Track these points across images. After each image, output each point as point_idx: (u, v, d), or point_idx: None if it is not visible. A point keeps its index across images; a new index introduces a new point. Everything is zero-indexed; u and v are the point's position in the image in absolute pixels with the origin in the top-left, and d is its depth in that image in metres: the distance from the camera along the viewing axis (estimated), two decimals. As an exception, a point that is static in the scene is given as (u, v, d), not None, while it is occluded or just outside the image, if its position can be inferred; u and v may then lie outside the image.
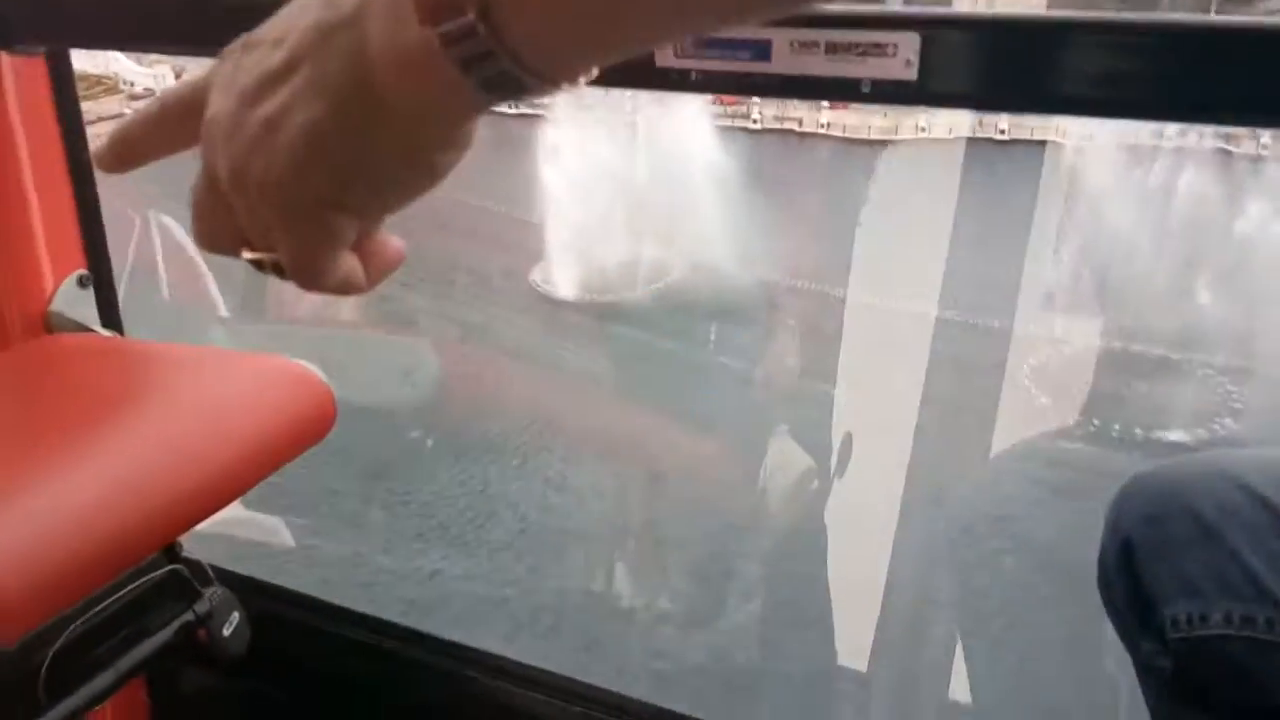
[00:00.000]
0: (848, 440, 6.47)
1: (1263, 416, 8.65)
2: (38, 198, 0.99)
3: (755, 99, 13.46)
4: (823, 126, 13.41)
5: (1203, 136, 11.82)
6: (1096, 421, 8.55)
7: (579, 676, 1.08)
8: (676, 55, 0.69)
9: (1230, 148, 11.73)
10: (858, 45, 0.65)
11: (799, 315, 10.38)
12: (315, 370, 0.95)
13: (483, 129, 0.37)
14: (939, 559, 6.00)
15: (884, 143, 13.14)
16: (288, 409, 0.92)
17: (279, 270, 0.38)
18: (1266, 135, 11.57)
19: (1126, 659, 0.71)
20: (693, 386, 9.44)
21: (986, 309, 9.67)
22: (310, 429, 0.93)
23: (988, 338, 9.47)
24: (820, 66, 0.66)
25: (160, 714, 1.10)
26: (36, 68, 0.99)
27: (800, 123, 13.52)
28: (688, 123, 12.21)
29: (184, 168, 0.41)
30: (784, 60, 0.66)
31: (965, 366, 9.08)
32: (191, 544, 1.01)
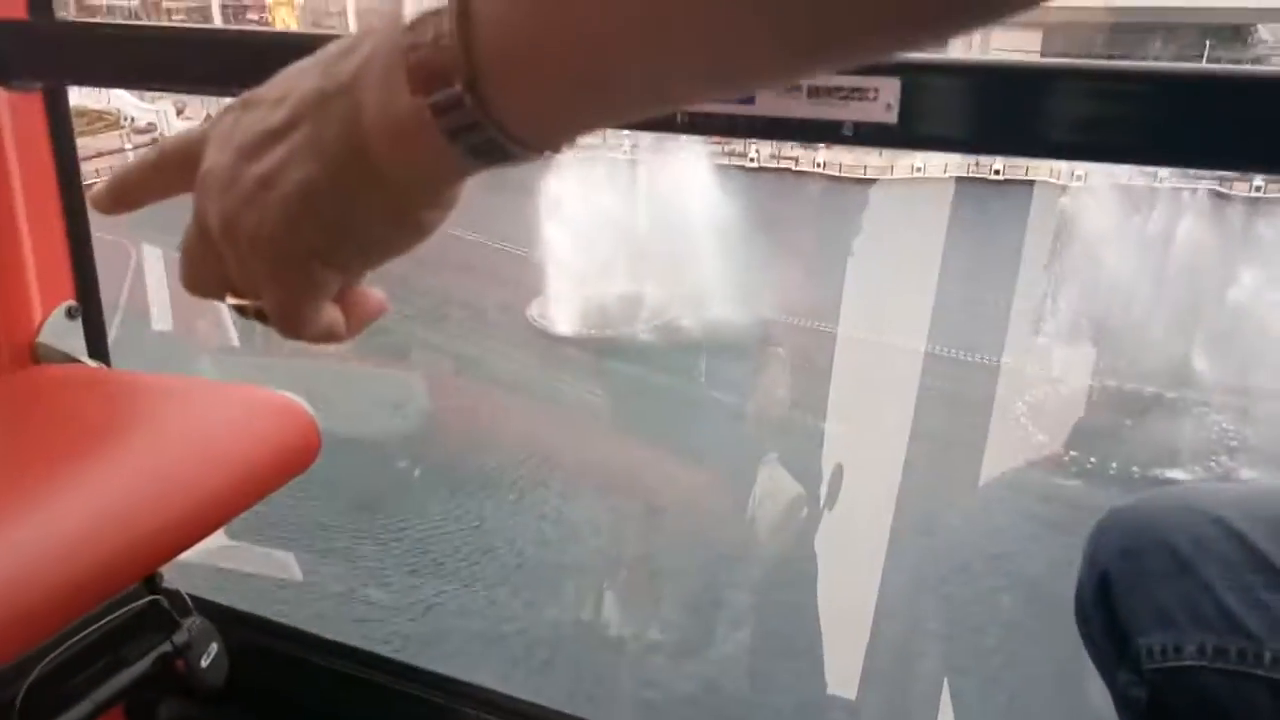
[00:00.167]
0: (838, 471, 6.48)
1: (1259, 454, 8.67)
2: (30, 230, 1.00)
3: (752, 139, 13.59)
4: (818, 165, 13.55)
5: (1198, 177, 11.98)
6: (1093, 459, 8.56)
7: (567, 710, 1.07)
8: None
9: (1224, 190, 11.85)
10: (840, 89, 0.67)
11: (793, 350, 10.41)
12: (300, 401, 0.96)
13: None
14: (928, 589, 5.98)
15: (878, 181, 13.27)
16: (272, 439, 0.92)
17: (262, 317, 0.40)
18: (1260, 177, 11.72)
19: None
20: (687, 420, 9.44)
21: (976, 344, 9.71)
22: (294, 459, 0.93)
23: (977, 372, 9.50)
24: (803, 109, 0.67)
25: (138, 746, 1.09)
26: (33, 104, 1.01)
27: (796, 161, 13.65)
28: (686, 161, 12.32)
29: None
30: (768, 103, 0.68)
31: (954, 400, 9.10)
32: (173, 574, 1.00)
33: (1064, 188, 12.08)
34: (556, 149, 0.35)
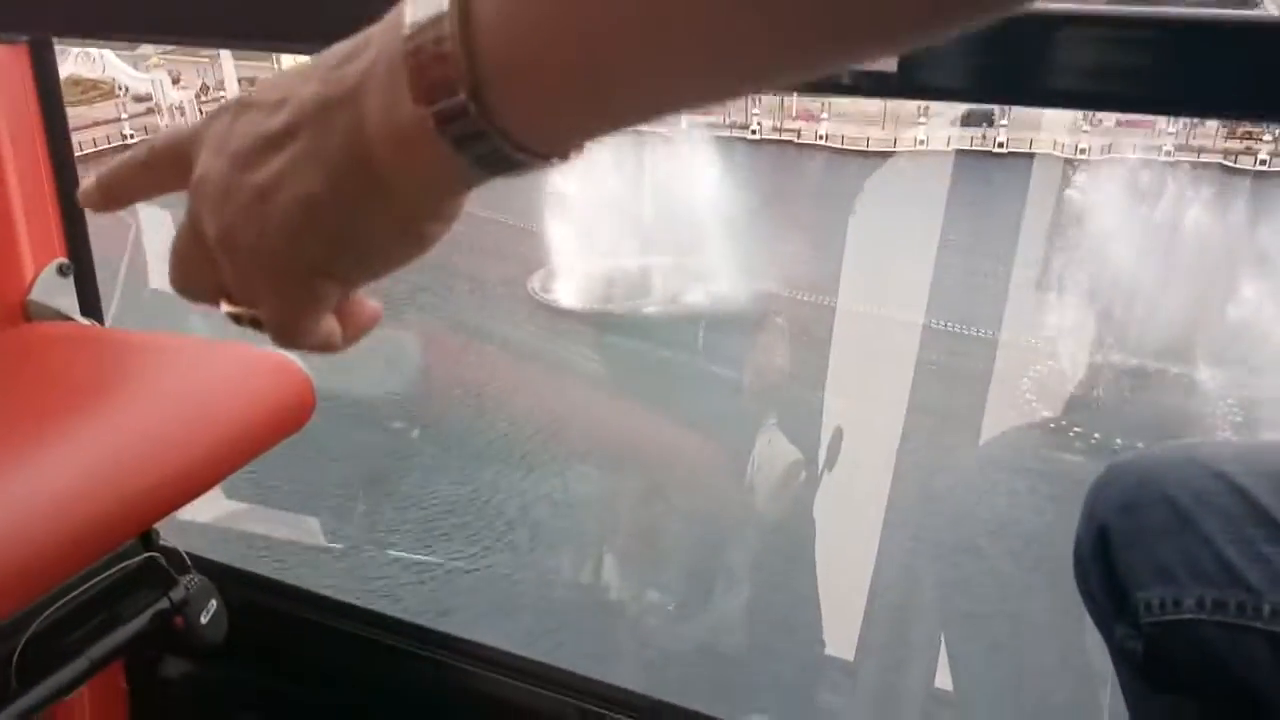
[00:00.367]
0: (838, 434, 6.51)
1: (1263, 430, 8.69)
2: (19, 186, 0.99)
3: (754, 110, 13.47)
4: (821, 138, 13.43)
5: (1200, 154, 11.89)
6: (1096, 434, 8.58)
7: (562, 665, 1.07)
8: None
9: (1230, 163, 11.77)
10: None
11: (793, 324, 10.41)
12: (295, 359, 0.95)
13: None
14: (925, 553, 6.03)
15: (881, 154, 13.17)
16: (267, 397, 0.92)
17: (257, 324, 0.40)
18: (1264, 151, 11.61)
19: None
20: (688, 392, 9.46)
21: (974, 318, 9.71)
22: (290, 417, 0.92)
23: (974, 344, 9.51)
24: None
25: (139, 701, 1.10)
26: (19, 56, 0.99)
27: (799, 134, 13.53)
28: (687, 134, 12.24)
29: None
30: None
31: (952, 372, 9.12)
32: (190, 538, 1.00)
33: (1067, 160, 12.01)
34: (564, 156, 0.35)
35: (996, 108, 12.37)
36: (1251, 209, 10.81)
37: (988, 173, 12.27)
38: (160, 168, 0.42)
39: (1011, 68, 0.64)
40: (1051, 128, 12.58)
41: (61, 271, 1.03)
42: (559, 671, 1.07)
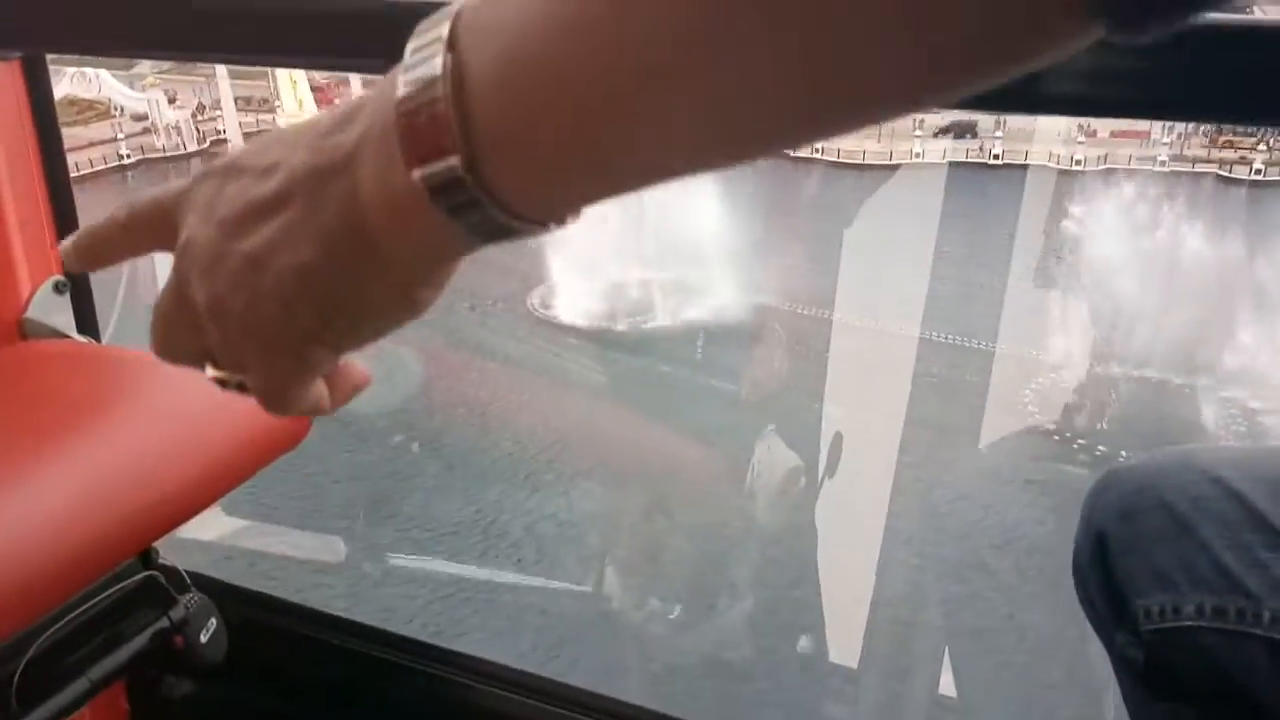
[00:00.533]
0: (838, 440, 6.52)
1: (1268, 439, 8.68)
2: (13, 202, 0.99)
3: None
4: (817, 152, 13.45)
5: (1194, 164, 11.93)
6: (1102, 448, 8.57)
7: (562, 679, 1.07)
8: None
9: (1226, 173, 11.81)
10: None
11: (791, 337, 10.43)
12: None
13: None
14: (928, 562, 6.02)
15: (878, 168, 13.22)
16: (264, 414, 0.91)
17: (244, 389, 0.40)
18: (1259, 161, 11.65)
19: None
20: (689, 406, 9.47)
21: (972, 330, 9.73)
22: (285, 434, 0.92)
23: (971, 356, 9.53)
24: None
25: (139, 722, 1.09)
26: (12, 73, 0.99)
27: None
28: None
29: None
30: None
31: (948, 383, 9.13)
32: (197, 556, 1.00)
33: (1063, 172, 12.05)
34: (561, 222, 0.34)
35: (979, 119, 12.45)
36: (1249, 218, 10.85)
37: (983, 185, 12.31)
38: (140, 230, 0.41)
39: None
40: (1046, 139, 12.64)
41: (58, 289, 1.03)
42: (562, 686, 1.06)
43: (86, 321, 1.06)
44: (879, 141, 13.34)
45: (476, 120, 0.31)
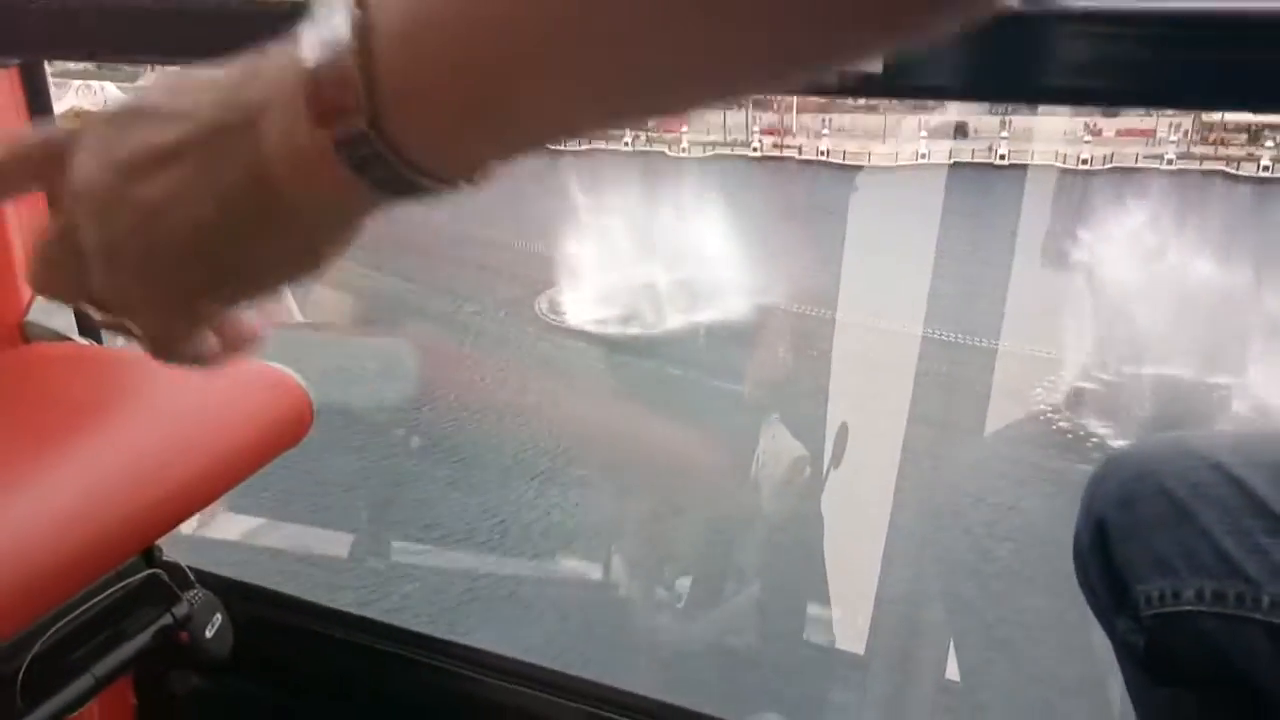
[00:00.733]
0: (843, 430, 6.52)
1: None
2: (14, 207, 0.99)
3: (755, 128, 13.53)
4: (822, 153, 13.37)
5: (1202, 161, 11.83)
6: (1094, 436, 8.57)
7: (569, 670, 1.08)
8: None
9: (1232, 170, 11.72)
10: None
11: (796, 337, 10.44)
12: (292, 373, 0.95)
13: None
14: (933, 548, 6.04)
15: (883, 169, 13.15)
16: (265, 412, 0.92)
17: (126, 330, 0.39)
18: (1267, 158, 11.56)
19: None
20: (697, 407, 9.49)
21: (974, 328, 9.73)
22: (288, 432, 0.93)
23: (975, 355, 9.53)
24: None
25: (148, 716, 1.10)
26: (10, 79, 1.00)
27: (800, 150, 13.48)
28: (688, 153, 12.28)
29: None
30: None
31: (952, 382, 9.14)
32: (174, 548, 1.01)
33: (1069, 171, 11.98)
34: (470, 181, 0.34)
35: (977, 120, 12.43)
36: (1256, 216, 10.79)
37: (989, 185, 12.25)
38: (23, 166, 0.40)
39: (1003, 66, 0.64)
40: (1052, 138, 12.56)
41: (59, 291, 1.04)
42: (568, 677, 1.07)
43: (88, 323, 1.06)
44: (884, 143, 13.29)
45: (382, 76, 0.31)
